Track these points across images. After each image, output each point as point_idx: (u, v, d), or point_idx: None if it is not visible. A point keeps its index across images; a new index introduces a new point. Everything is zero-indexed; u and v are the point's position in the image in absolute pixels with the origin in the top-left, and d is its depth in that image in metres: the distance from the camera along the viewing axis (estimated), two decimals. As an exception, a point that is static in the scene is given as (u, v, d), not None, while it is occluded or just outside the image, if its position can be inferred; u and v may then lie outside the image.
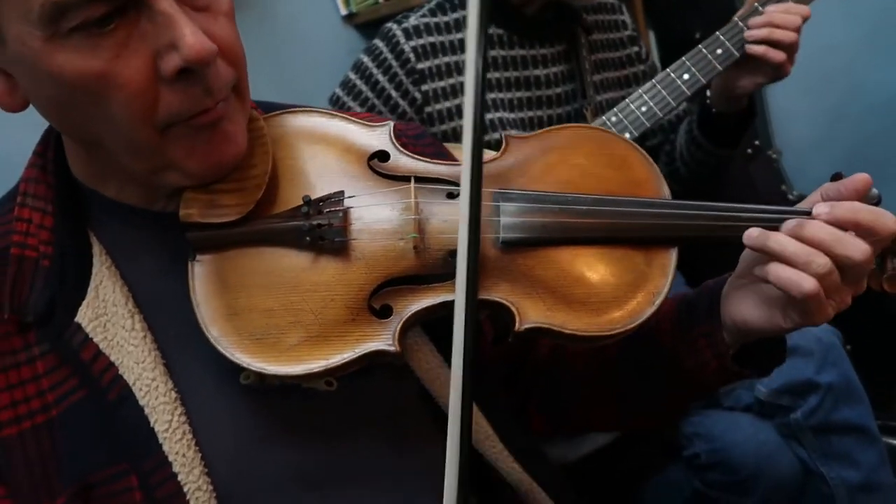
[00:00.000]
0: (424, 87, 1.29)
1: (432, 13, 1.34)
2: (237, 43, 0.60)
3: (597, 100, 1.37)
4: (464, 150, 0.51)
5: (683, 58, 1.22)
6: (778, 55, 1.16)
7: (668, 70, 1.23)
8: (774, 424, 1.25)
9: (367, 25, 1.80)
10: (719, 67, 1.21)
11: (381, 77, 1.32)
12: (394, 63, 1.31)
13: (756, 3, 1.20)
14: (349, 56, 1.87)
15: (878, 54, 1.83)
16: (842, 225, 0.62)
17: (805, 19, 1.16)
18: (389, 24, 1.34)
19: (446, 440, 0.55)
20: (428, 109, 1.30)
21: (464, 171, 0.51)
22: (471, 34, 0.51)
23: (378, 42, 1.34)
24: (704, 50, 1.21)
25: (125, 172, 0.64)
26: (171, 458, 0.61)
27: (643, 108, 1.23)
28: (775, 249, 0.61)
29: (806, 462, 1.24)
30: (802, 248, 0.60)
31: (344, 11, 1.80)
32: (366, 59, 1.35)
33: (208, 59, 0.55)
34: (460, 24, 1.33)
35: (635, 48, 1.47)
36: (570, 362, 0.83)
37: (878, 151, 1.81)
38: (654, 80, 1.24)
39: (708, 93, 1.28)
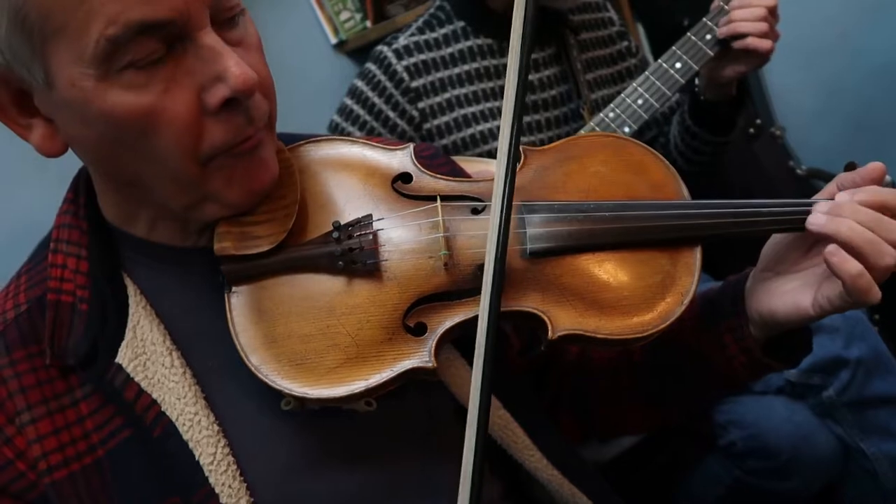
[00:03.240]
0: (421, 105, 1.30)
1: (420, 31, 1.35)
2: (269, 75, 0.63)
3: (592, 98, 1.38)
4: (496, 173, 0.53)
5: (674, 47, 1.22)
6: (764, 44, 1.15)
7: (659, 61, 1.23)
8: (808, 405, 1.24)
9: (358, 51, 1.82)
10: (710, 53, 1.21)
11: (377, 99, 1.33)
12: (388, 84, 1.32)
13: None
14: (343, 83, 1.88)
15: (871, 21, 1.82)
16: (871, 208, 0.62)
17: (770, 8, 1.16)
18: (380, 47, 1.36)
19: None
20: (427, 126, 1.31)
21: (495, 189, 0.53)
22: (511, 65, 0.53)
23: (370, 66, 1.35)
24: (694, 37, 1.21)
25: (158, 210, 0.66)
26: (217, 490, 0.62)
27: (639, 101, 1.23)
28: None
29: (844, 439, 1.22)
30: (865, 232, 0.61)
31: (334, 40, 1.82)
32: (360, 84, 1.36)
33: (254, 88, 0.58)
34: (449, 39, 1.34)
35: (625, 43, 1.48)
36: (596, 367, 0.83)
37: (879, 118, 1.80)
38: (647, 73, 1.24)
39: (697, 81, 1.28)
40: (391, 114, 1.32)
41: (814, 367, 1.20)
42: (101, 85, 0.55)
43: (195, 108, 0.57)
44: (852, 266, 0.60)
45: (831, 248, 0.61)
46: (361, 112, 1.34)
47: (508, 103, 0.52)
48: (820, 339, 1.21)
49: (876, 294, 0.60)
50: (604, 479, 0.81)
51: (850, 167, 0.67)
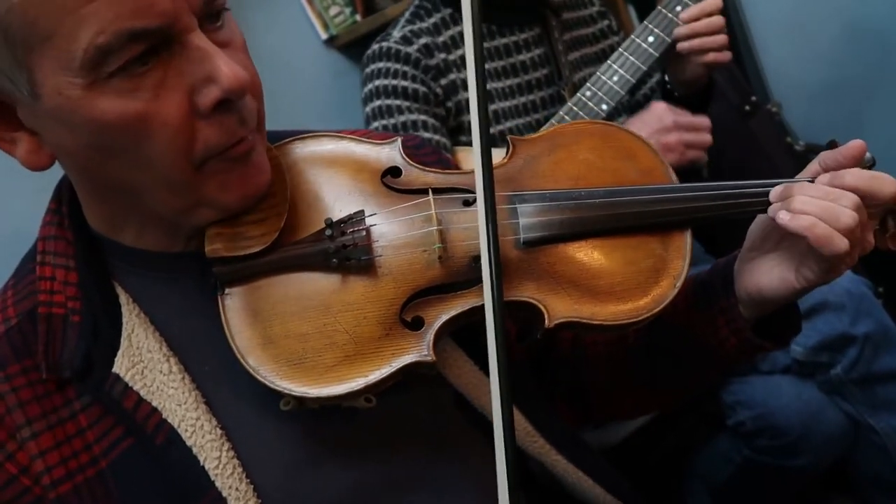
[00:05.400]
0: (443, 81, 1.30)
1: (411, 21, 1.35)
2: (257, 76, 0.62)
3: (574, 79, 1.38)
4: (474, 154, 0.54)
5: (646, 21, 1.22)
6: (724, 56, 1.17)
7: (632, 36, 1.23)
8: (816, 382, 1.24)
9: (348, 46, 1.81)
10: (681, 24, 1.20)
11: (406, 83, 1.30)
12: (408, 69, 1.30)
13: None
14: (335, 79, 1.87)
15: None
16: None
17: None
18: (378, 45, 1.34)
19: (488, 442, 0.57)
20: (448, 104, 1.31)
21: (476, 173, 0.53)
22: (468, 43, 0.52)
23: (379, 64, 1.33)
24: (664, 10, 1.20)
25: (147, 217, 0.65)
26: (224, 494, 0.61)
27: (615, 78, 1.23)
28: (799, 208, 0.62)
29: (853, 415, 1.22)
30: (824, 203, 0.62)
31: (324, 36, 1.80)
32: (380, 82, 1.32)
33: (245, 88, 0.57)
34: (440, 27, 1.34)
35: (605, 22, 1.48)
36: (590, 354, 0.84)
37: (876, 91, 1.78)
38: (620, 49, 1.23)
39: (668, 78, 1.28)
40: (422, 89, 1.29)
41: (821, 345, 1.20)
42: (89, 93, 0.54)
43: (187, 110, 0.56)
44: (805, 219, 0.62)
45: (781, 212, 0.63)
46: (398, 102, 1.30)
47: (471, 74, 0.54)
48: (827, 316, 1.21)
49: (839, 242, 0.61)
50: (608, 462, 0.81)
51: (832, 145, 0.68)
